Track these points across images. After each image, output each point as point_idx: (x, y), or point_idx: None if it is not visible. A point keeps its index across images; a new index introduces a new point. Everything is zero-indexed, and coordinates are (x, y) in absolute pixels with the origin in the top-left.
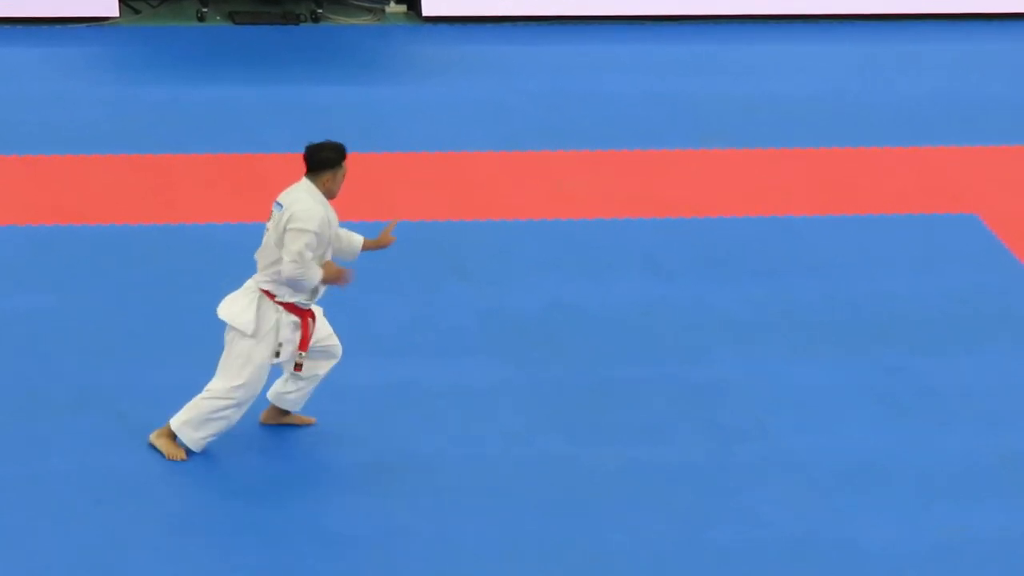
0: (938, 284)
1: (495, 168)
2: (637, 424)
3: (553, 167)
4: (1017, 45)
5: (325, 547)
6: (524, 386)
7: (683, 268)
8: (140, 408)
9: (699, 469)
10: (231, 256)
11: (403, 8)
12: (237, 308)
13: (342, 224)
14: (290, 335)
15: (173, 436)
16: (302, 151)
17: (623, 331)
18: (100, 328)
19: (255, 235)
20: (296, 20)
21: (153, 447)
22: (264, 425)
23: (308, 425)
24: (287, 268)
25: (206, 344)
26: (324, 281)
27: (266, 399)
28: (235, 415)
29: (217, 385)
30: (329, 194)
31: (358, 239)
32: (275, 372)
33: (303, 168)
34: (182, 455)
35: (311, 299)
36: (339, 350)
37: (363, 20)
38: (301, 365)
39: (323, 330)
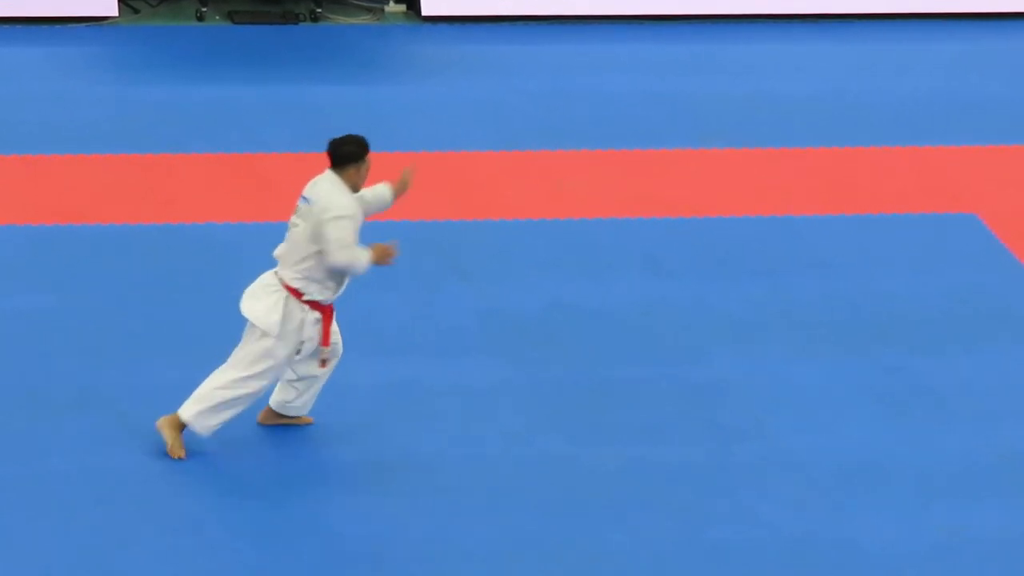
0: (937, 284)
1: (495, 168)
2: (637, 424)
3: (553, 167)
4: (1017, 45)
5: (325, 547)
6: (524, 386)
7: (683, 268)
8: (140, 408)
9: (699, 469)
10: (231, 256)
11: (402, 8)
12: (262, 308)
13: None
14: (312, 332)
15: (181, 428)
16: (301, 150)
17: (623, 331)
18: (100, 328)
19: (255, 235)
20: (295, 20)
21: (159, 433)
22: (263, 425)
23: (307, 425)
24: (338, 256)
25: (206, 344)
26: (373, 262)
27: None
28: (247, 403)
29: (231, 375)
30: (353, 188)
31: (382, 187)
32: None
33: (302, 168)
34: (182, 454)
35: (335, 294)
36: (340, 348)
37: (362, 20)
38: (326, 361)
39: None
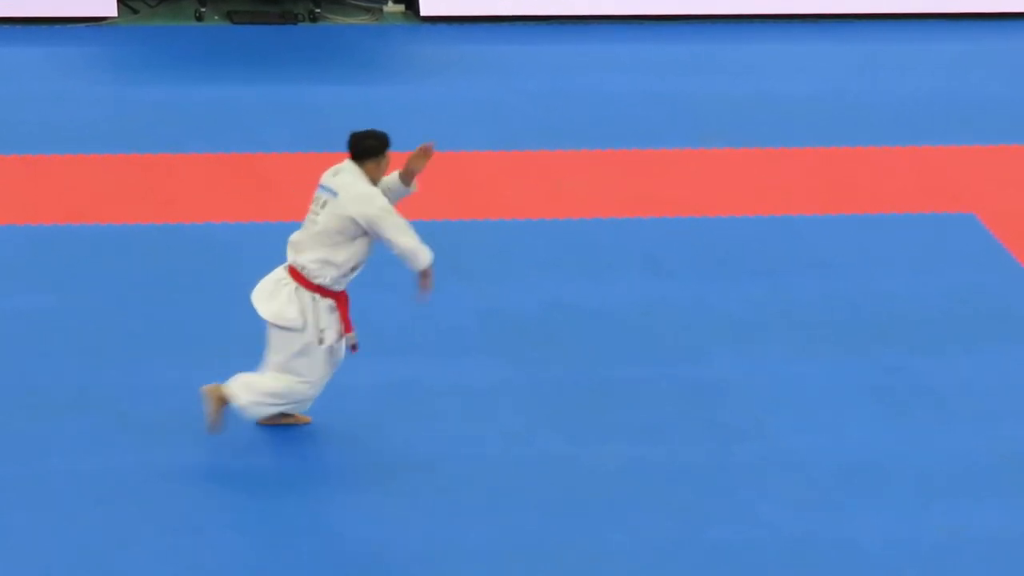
0: (936, 283)
1: (494, 168)
2: (637, 424)
3: (552, 167)
4: (1017, 45)
5: (325, 547)
6: (524, 386)
7: (683, 268)
8: (140, 408)
9: (699, 468)
10: (231, 256)
11: (401, 8)
12: (278, 305)
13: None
14: (328, 321)
15: (224, 402)
16: (300, 150)
17: (623, 331)
18: (100, 328)
19: (254, 235)
20: (294, 20)
21: (203, 398)
22: (263, 425)
23: (305, 424)
24: (403, 241)
25: (206, 344)
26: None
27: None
28: (308, 402)
29: (287, 381)
30: (373, 182)
31: (392, 177)
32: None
33: (301, 167)
34: (218, 430)
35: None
36: (342, 351)
37: (361, 20)
38: (356, 345)
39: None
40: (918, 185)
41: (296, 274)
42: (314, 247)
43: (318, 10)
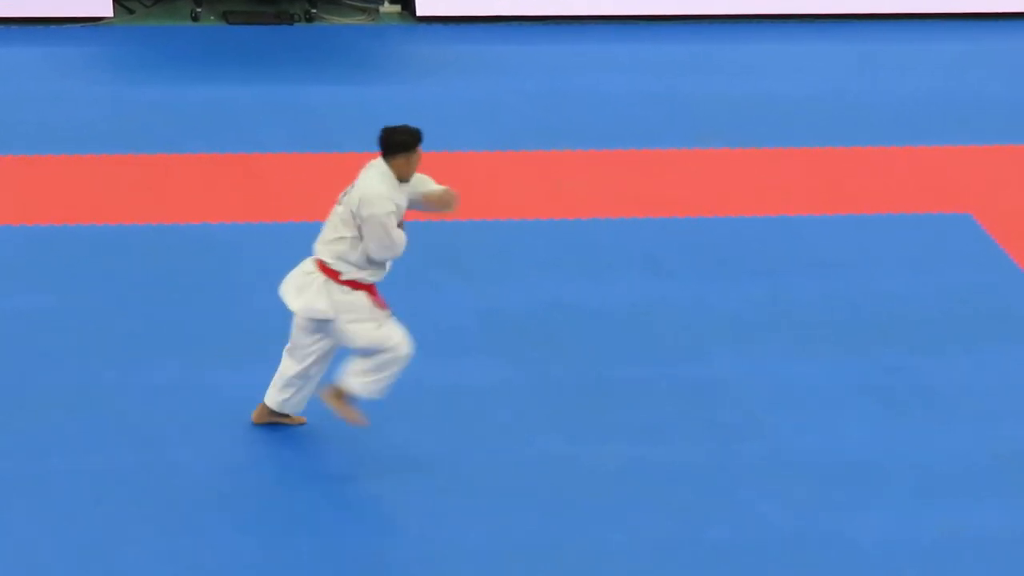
0: (933, 283)
1: (493, 168)
2: (637, 424)
3: (551, 167)
4: (1017, 45)
5: (324, 546)
6: (523, 386)
7: (683, 268)
8: (140, 408)
9: (698, 468)
10: (229, 256)
11: (397, 8)
12: (307, 298)
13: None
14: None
15: (344, 397)
16: (297, 150)
17: (623, 331)
18: (100, 328)
19: (252, 235)
20: (290, 20)
21: (326, 402)
22: (260, 425)
23: (301, 424)
24: (378, 255)
25: (206, 344)
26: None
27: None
28: (408, 358)
29: (381, 356)
30: (402, 177)
31: (431, 187)
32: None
33: (298, 167)
34: (362, 419)
35: (376, 277)
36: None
37: (357, 20)
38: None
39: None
40: (914, 185)
41: (324, 267)
42: (328, 239)
43: (314, 10)
